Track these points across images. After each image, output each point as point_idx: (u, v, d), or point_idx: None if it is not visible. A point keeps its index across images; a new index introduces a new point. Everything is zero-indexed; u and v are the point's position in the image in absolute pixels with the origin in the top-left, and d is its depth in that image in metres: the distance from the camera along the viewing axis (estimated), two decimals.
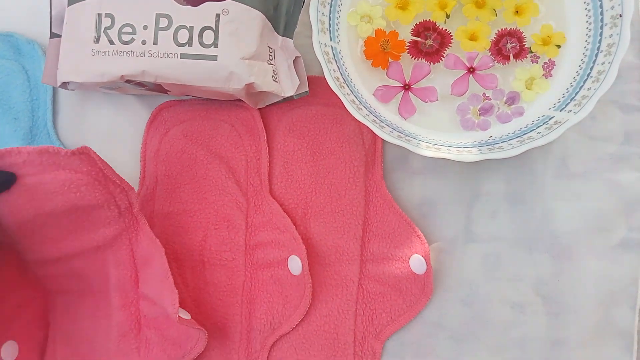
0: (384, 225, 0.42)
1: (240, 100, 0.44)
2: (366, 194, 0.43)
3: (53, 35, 0.43)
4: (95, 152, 0.35)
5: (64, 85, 0.42)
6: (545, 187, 0.42)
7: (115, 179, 0.37)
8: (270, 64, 0.40)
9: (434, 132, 0.41)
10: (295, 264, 0.41)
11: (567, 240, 0.42)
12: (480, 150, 0.38)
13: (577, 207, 0.42)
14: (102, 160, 0.36)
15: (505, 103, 0.41)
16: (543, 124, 0.39)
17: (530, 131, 0.38)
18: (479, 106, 0.41)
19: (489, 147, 0.38)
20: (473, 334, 0.42)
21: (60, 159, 0.35)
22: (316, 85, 0.43)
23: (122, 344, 0.40)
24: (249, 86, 0.39)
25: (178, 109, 0.45)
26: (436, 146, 0.39)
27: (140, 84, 0.41)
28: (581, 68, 0.40)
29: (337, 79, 0.39)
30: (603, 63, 0.38)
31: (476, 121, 0.41)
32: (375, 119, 0.39)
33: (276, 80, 0.40)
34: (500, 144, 0.38)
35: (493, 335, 0.42)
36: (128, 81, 0.40)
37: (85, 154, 0.35)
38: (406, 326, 0.42)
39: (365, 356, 0.41)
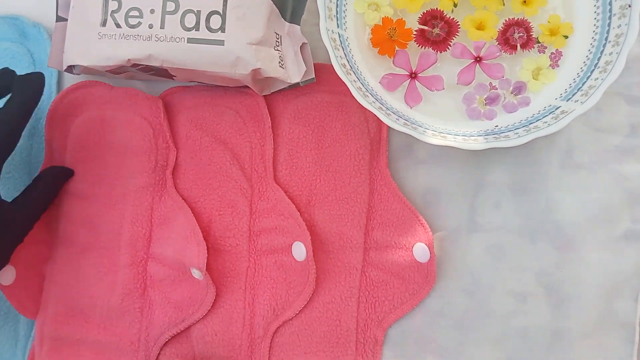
0: (388, 213, 0.42)
1: (245, 87, 0.44)
2: (371, 182, 0.43)
3: (59, 18, 0.43)
4: (163, 107, 0.43)
5: (70, 69, 0.42)
6: (549, 177, 0.42)
7: (166, 135, 0.43)
8: (277, 50, 0.40)
9: (440, 121, 0.41)
10: (299, 250, 0.41)
11: (570, 231, 0.42)
12: (486, 138, 0.38)
13: (582, 198, 0.42)
14: (165, 116, 0.43)
15: (512, 93, 0.41)
16: (549, 113, 0.38)
17: (537, 121, 0.38)
18: (485, 95, 0.41)
19: (495, 135, 0.38)
20: (475, 323, 0.42)
21: (137, 99, 0.43)
22: (322, 72, 0.43)
23: (125, 303, 0.41)
24: (255, 72, 0.39)
25: (183, 95, 0.45)
26: (442, 134, 0.39)
27: (146, 69, 0.41)
28: (588, 58, 0.40)
29: (344, 65, 0.39)
30: (611, 53, 0.38)
31: (482, 110, 0.41)
32: (381, 106, 0.39)
33: (282, 66, 0.40)
34: (506, 133, 0.38)
35: (495, 325, 0.42)
36: (134, 65, 0.40)
37: (156, 105, 0.43)
38: (408, 314, 0.42)
39: (367, 343, 0.42)
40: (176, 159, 0.43)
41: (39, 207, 0.41)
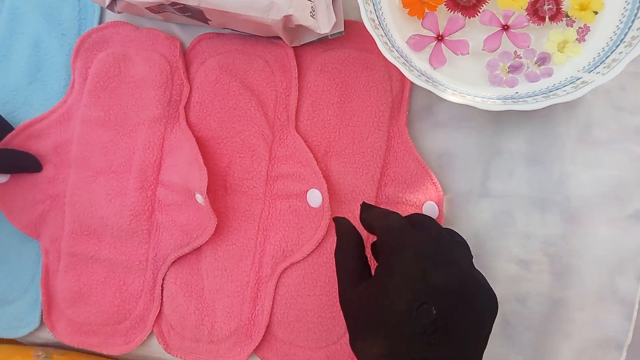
0: (402, 170, 0.43)
1: (276, 37, 0.45)
2: (388, 139, 0.44)
3: None
4: (180, 47, 0.47)
5: (112, 6, 0.45)
6: (565, 150, 0.43)
7: (182, 73, 0.46)
8: (309, 0, 0.42)
9: (462, 84, 0.42)
10: (315, 197, 0.43)
11: (580, 205, 0.43)
12: (504, 102, 0.39)
13: (596, 174, 0.43)
14: (182, 55, 0.46)
15: (536, 63, 0.42)
16: (570, 83, 0.39)
17: (556, 89, 0.39)
18: (509, 64, 0.42)
19: (513, 100, 0.39)
20: None
21: (158, 39, 0.47)
22: (351, 29, 0.44)
23: (133, 224, 0.44)
24: (287, 19, 0.40)
25: (216, 41, 0.47)
26: (462, 94, 0.39)
27: (183, 10, 0.42)
28: (615, 34, 0.40)
29: (373, 20, 0.40)
30: (638, 29, 0.38)
31: (504, 78, 0.42)
32: (405, 62, 0.40)
33: (313, 16, 0.42)
34: (525, 99, 0.39)
35: (496, 289, 0.42)
36: (173, 4, 0.41)
37: (174, 44, 0.47)
38: None
39: None
40: (203, 100, 0.45)
41: None
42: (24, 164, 0.45)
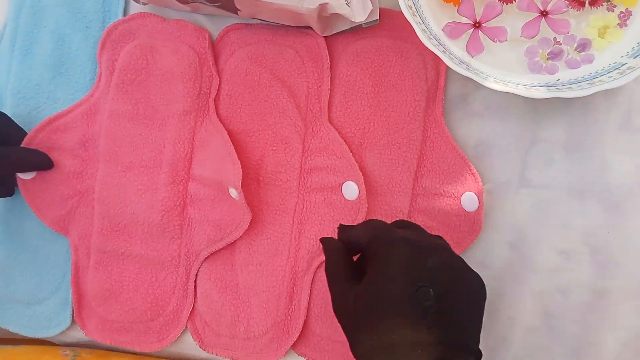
0: (439, 161, 0.43)
1: (306, 27, 0.44)
2: (424, 129, 0.43)
3: None
4: (209, 38, 0.45)
5: None
6: (606, 138, 0.42)
7: (211, 65, 0.45)
8: None
9: (501, 72, 0.41)
10: (350, 190, 0.42)
11: (621, 193, 0.42)
12: (548, 89, 0.38)
13: (637, 162, 0.42)
14: (210, 46, 0.45)
15: (576, 49, 0.41)
16: (615, 69, 0.38)
17: (601, 75, 0.38)
18: (549, 50, 0.41)
19: (557, 87, 0.38)
20: (516, 277, 0.42)
21: (186, 30, 0.46)
22: (384, 17, 0.43)
23: (165, 220, 0.43)
24: (322, 7, 0.39)
25: (245, 32, 0.46)
26: (504, 82, 0.39)
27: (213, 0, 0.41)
28: None
29: (410, 7, 0.39)
30: None
31: (544, 65, 0.41)
32: (444, 50, 0.39)
33: (348, 4, 0.40)
34: (569, 86, 0.38)
35: (536, 280, 0.42)
36: None
37: (202, 36, 0.45)
38: None
39: None
40: (233, 92, 0.44)
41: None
42: (34, 162, 0.44)
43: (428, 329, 0.28)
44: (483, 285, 0.31)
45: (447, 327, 0.28)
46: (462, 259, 0.32)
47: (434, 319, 0.28)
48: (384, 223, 0.34)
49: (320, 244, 0.36)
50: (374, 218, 0.42)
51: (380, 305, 0.29)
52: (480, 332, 0.30)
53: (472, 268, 0.31)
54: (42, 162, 0.44)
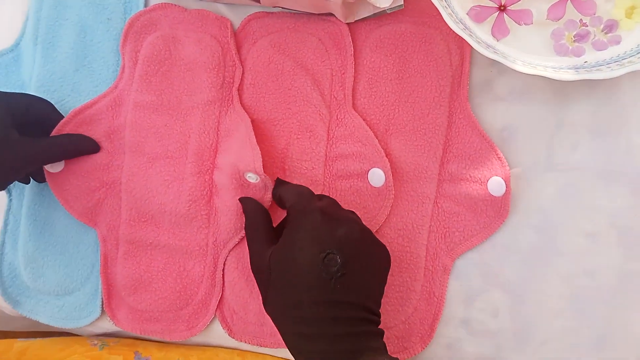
0: (466, 146, 0.43)
1: (329, 14, 0.44)
2: (450, 114, 0.43)
3: None
4: (231, 27, 0.46)
5: None
6: (632, 120, 0.42)
7: (234, 54, 0.45)
8: None
9: (527, 55, 0.41)
10: (377, 177, 0.42)
11: None
12: (577, 71, 0.38)
13: None
14: (233, 35, 0.45)
15: (602, 31, 0.41)
16: None
17: (630, 57, 0.38)
18: (575, 32, 0.41)
19: (586, 69, 0.38)
20: (543, 260, 0.42)
21: (208, 20, 0.46)
22: (407, 2, 0.43)
23: (192, 209, 0.44)
24: None
25: (267, 20, 0.46)
26: (532, 65, 0.38)
27: None
28: None
29: None
30: None
31: (570, 47, 0.41)
32: (471, 34, 0.39)
33: None
34: (598, 67, 0.38)
35: (564, 263, 0.42)
36: None
37: (224, 25, 0.46)
38: (476, 247, 0.43)
39: (436, 271, 0.43)
40: (256, 81, 0.44)
41: (45, 157, 0.43)
42: (81, 146, 0.44)
43: (332, 290, 0.32)
44: (388, 258, 0.36)
45: (349, 289, 0.33)
46: (371, 232, 0.36)
47: (338, 283, 0.32)
48: (311, 193, 0.38)
49: (241, 203, 0.41)
50: (400, 204, 0.42)
51: (292, 266, 0.34)
52: (381, 296, 0.36)
53: (380, 241, 0.36)
54: (89, 146, 0.45)
